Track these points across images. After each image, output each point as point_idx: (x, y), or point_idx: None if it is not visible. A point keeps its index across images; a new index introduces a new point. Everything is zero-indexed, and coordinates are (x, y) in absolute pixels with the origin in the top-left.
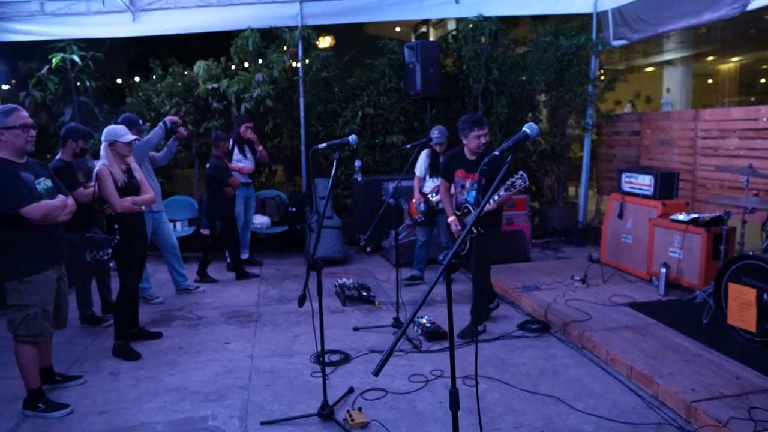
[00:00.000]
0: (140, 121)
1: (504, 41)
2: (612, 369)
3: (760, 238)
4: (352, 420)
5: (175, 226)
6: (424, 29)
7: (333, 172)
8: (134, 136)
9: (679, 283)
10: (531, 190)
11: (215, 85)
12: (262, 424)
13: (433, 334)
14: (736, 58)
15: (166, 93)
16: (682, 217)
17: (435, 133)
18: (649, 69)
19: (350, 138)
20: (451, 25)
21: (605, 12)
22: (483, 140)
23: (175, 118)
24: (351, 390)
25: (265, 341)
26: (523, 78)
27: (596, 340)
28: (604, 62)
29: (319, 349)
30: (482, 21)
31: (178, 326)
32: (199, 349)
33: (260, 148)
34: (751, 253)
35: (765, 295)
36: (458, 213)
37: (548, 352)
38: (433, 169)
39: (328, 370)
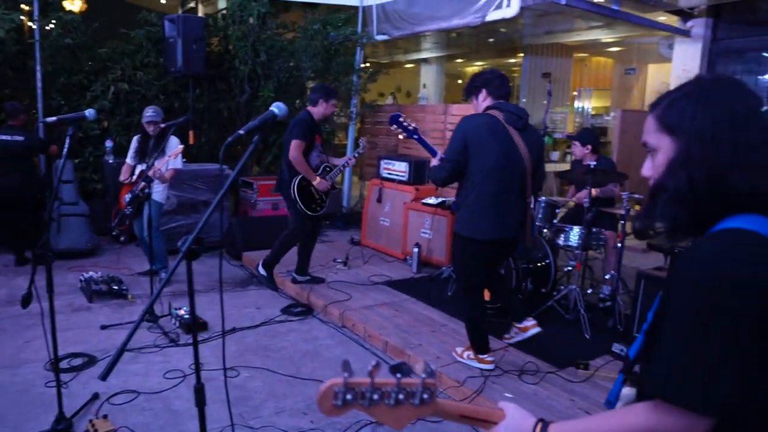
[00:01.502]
0: None
1: (272, 25)
2: (370, 345)
3: None
4: (95, 430)
5: None
6: (192, 4)
7: (65, 150)
8: None
9: (429, 261)
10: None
11: None
12: None
13: (192, 325)
14: (479, 63)
15: None
16: (431, 200)
17: (150, 112)
18: (409, 65)
19: (87, 112)
20: (222, 4)
21: (370, 7)
22: (334, 110)
23: None
24: (96, 396)
25: None
26: (291, 64)
27: (355, 318)
28: (369, 55)
29: (55, 353)
30: (251, 1)
31: None
32: None
33: None
34: None
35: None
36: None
37: (310, 334)
38: (142, 155)
39: (68, 376)
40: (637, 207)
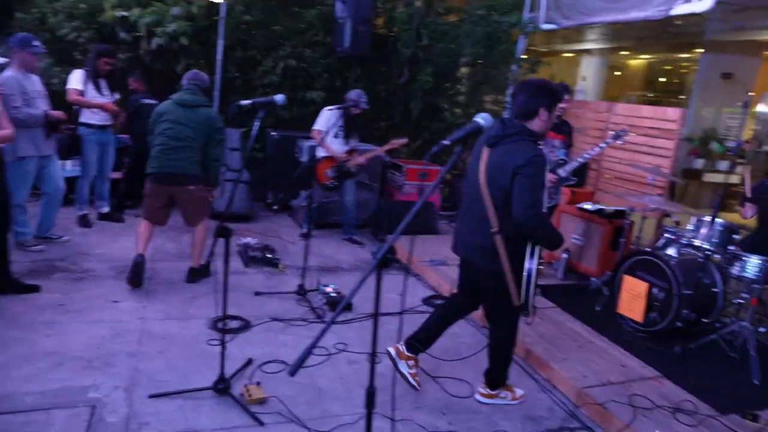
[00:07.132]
0: (33, 42)
1: (438, 8)
2: None
3: (655, 234)
4: (250, 395)
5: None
6: None
7: (254, 132)
8: None
9: (577, 268)
10: (443, 161)
11: (125, 14)
12: (150, 397)
13: (338, 304)
14: (646, 56)
15: (65, 14)
16: (588, 206)
17: (364, 98)
18: (567, 55)
19: (277, 98)
20: None
21: None
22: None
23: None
24: (250, 361)
25: (159, 302)
26: (452, 46)
27: None
28: (527, 43)
29: (218, 313)
30: None
31: (60, 279)
32: (83, 308)
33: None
34: (649, 249)
35: (654, 290)
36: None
37: (451, 330)
38: (347, 134)
39: (226, 338)
40: None
